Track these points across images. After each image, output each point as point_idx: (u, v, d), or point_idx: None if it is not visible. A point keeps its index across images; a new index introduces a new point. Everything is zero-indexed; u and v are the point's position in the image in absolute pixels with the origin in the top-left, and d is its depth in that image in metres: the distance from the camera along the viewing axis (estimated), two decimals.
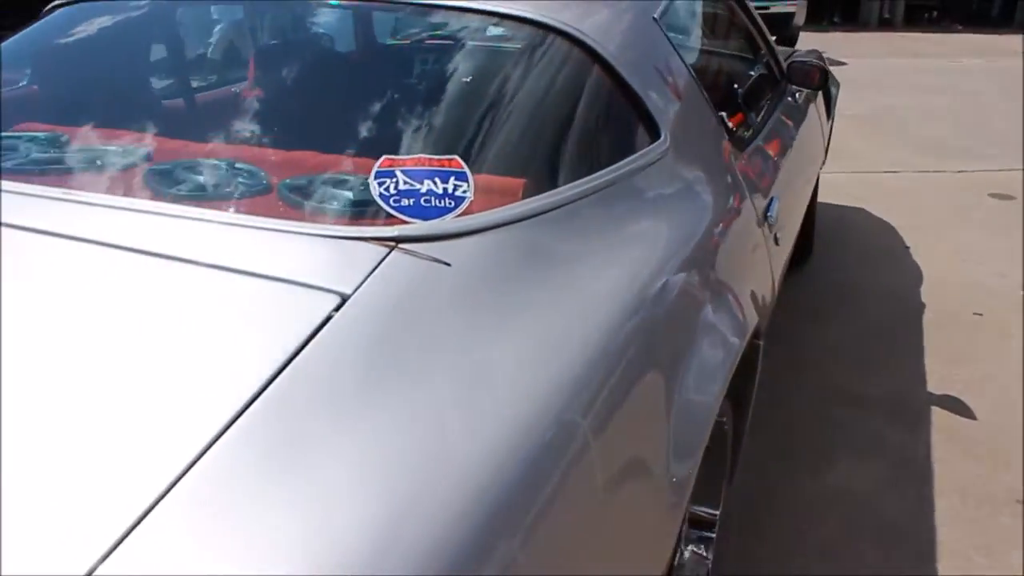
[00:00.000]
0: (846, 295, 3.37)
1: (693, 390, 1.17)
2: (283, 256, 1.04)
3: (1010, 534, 2.06)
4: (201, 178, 1.29)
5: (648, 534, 1.06)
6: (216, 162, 1.34)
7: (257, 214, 1.15)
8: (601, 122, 1.42)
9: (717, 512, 1.71)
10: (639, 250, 1.25)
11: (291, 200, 1.18)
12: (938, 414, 2.58)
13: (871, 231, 4.09)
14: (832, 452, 2.38)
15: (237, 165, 1.33)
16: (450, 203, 1.09)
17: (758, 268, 1.68)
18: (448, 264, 1.02)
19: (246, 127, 1.47)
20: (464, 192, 1.11)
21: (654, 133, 1.44)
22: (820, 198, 4.08)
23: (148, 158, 1.37)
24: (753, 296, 1.55)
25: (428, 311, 0.97)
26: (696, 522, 1.71)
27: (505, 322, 1.00)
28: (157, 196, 1.23)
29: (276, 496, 0.75)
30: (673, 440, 1.10)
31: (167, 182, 1.28)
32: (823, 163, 3.53)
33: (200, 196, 1.22)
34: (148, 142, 1.42)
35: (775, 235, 1.82)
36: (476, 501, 0.79)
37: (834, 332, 3.07)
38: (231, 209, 1.17)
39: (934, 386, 2.73)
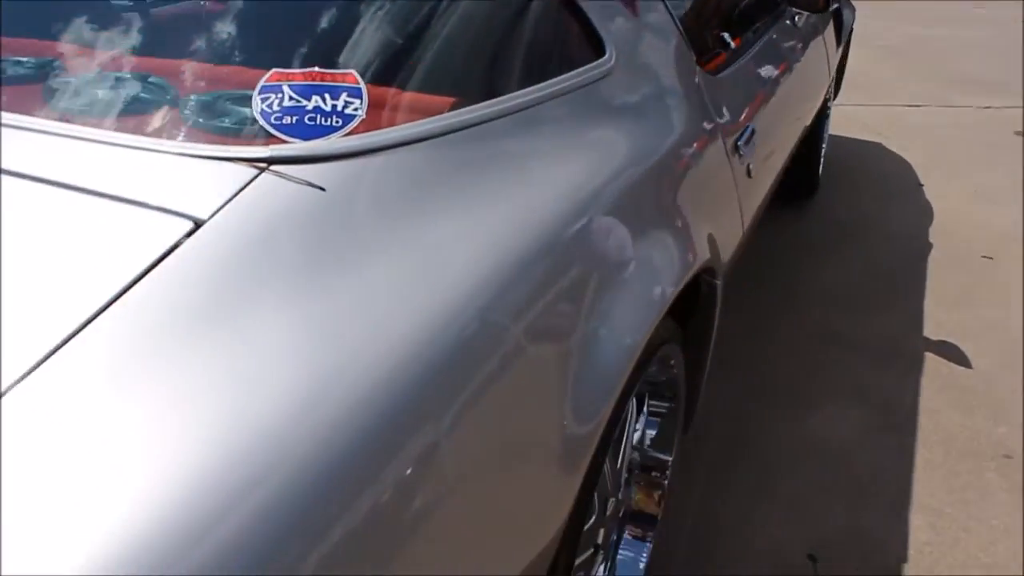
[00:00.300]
0: (849, 233, 3.22)
1: (609, 330, 1.06)
2: (145, 177, 0.94)
3: (991, 489, 1.96)
4: (97, 93, 1.19)
5: (535, 487, 0.97)
6: (118, 76, 1.23)
7: (140, 132, 1.06)
8: (535, 36, 1.28)
9: (669, 458, 1.62)
10: (561, 175, 1.13)
11: (185, 118, 1.07)
12: (933, 361, 2.46)
13: (885, 167, 3.91)
14: (813, 398, 2.28)
15: (150, 80, 1.23)
16: (337, 121, 0.98)
17: (721, 201, 1.55)
18: (323, 189, 0.92)
19: (166, 40, 1.36)
20: (355, 110, 0.99)
21: (598, 50, 1.31)
22: (835, 131, 3.91)
23: (52, 70, 1.27)
24: (710, 230, 1.43)
25: (292, 239, 0.88)
26: (650, 467, 1.63)
27: (382, 252, 0.90)
28: (42, 111, 1.14)
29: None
30: (576, 385, 0.99)
31: (60, 96, 1.18)
32: (832, 94, 3.36)
33: (89, 112, 1.13)
34: (59, 53, 1.32)
35: (748, 167, 1.69)
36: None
37: (831, 271, 2.94)
38: (111, 127, 1.07)
39: (931, 331, 2.60)
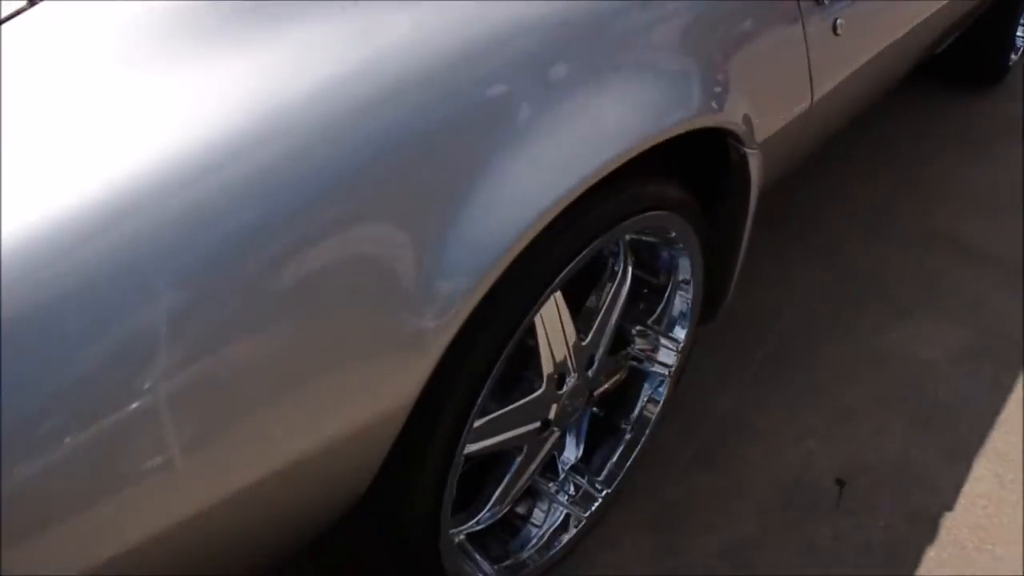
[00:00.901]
0: (1018, 131, 2.73)
1: (513, 176, 0.88)
2: None
3: None
4: None
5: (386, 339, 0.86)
6: None
7: None
8: None
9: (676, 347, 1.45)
10: None
11: None
12: None
13: None
14: (909, 307, 1.99)
15: None
16: None
17: (775, 54, 1.29)
18: None
19: None
20: None
21: None
22: None
23: None
24: (744, 84, 1.19)
25: (135, 24, 0.78)
26: None
27: (241, 48, 0.79)
28: None
29: None
30: (453, 235, 0.85)
31: None
32: None
33: None
34: None
35: (835, 23, 1.40)
36: None
37: (980, 171, 2.50)
38: None
39: None
